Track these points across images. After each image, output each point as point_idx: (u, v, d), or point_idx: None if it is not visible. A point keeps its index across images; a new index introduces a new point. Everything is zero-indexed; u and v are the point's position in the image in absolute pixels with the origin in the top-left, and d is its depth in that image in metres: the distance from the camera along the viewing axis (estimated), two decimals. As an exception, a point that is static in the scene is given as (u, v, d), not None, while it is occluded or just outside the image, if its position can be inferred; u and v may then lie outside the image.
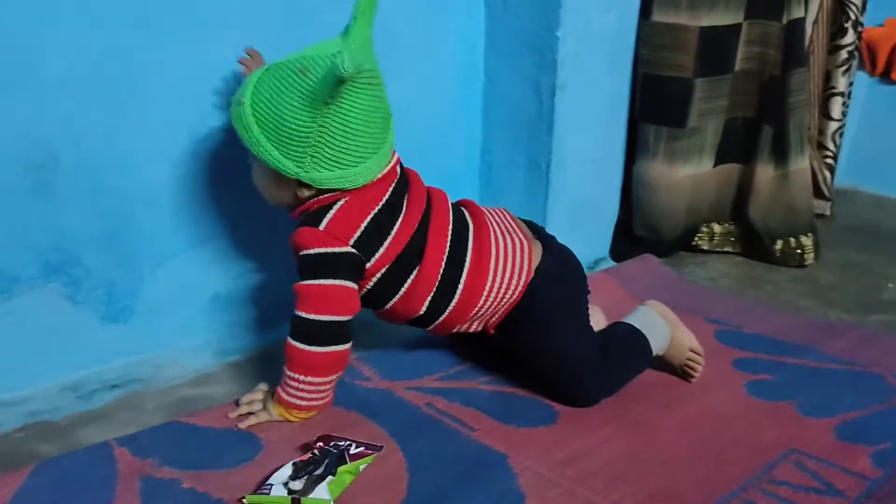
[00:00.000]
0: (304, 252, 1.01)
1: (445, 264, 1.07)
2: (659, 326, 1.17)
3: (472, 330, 1.15)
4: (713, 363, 1.21)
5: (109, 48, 1.09)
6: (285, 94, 0.95)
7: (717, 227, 1.73)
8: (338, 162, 0.99)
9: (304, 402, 1.03)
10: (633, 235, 1.69)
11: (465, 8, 1.47)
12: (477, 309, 1.10)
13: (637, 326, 1.16)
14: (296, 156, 0.98)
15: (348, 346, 1.04)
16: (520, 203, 1.56)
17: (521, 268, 1.10)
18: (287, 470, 0.91)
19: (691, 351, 1.17)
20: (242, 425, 1.03)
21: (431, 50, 1.45)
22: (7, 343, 1.11)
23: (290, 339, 1.02)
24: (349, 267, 1.02)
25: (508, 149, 1.55)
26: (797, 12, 1.56)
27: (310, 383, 1.02)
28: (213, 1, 1.15)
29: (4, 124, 1.04)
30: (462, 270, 1.08)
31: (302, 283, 1.01)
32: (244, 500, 0.89)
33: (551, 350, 1.10)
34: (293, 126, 0.96)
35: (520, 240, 1.13)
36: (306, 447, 0.97)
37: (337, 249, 1.01)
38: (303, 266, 1.02)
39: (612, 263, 1.66)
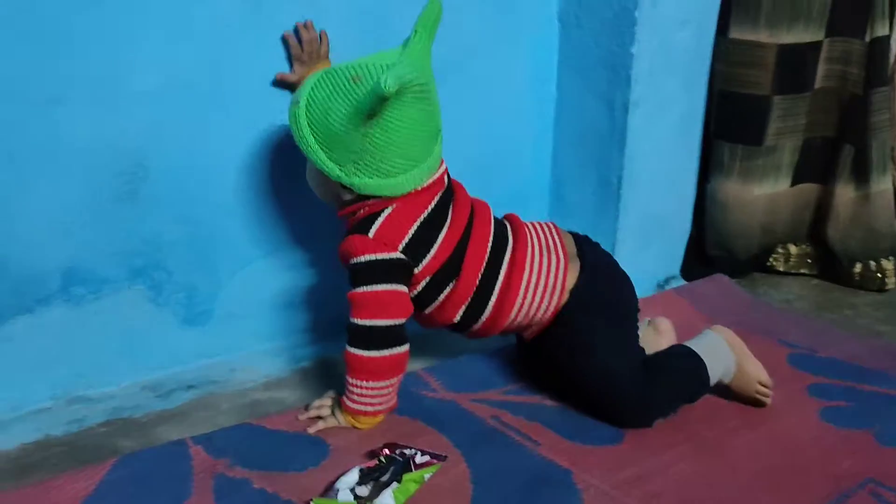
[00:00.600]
0: (356, 260, 1.04)
1: (481, 278, 1.09)
2: (721, 353, 1.14)
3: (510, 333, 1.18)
4: (786, 388, 1.18)
5: (196, 62, 1.14)
6: (336, 99, 0.99)
7: (793, 249, 1.69)
8: (378, 171, 1.02)
9: (368, 408, 1.06)
10: (706, 254, 1.66)
11: (538, 24, 1.48)
12: (508, 323, 1.13)
13: (696, 350, 1.13)
14: (339, 160, 1.02)
15: (406, 347, 1.06)
16: (590, 220, 1.55)
17: (554, 288, 1.11)
18: (353, 475, 0.93)
19: (760, 384, 1.13)
20: (311, 430, 1.06)
21: (503, 65, 1.46)
22: (95, 342, 1.17)
23: (348, 347, 1.05)
24: (400, 271, 1.05)
25: (579, 166, 1.55)
26: (881, 30, 1.52)
27: (371, 388, 1.05)
28: (291, 14, 1.19)
29: (97, 134, 1.10)
30: (495, 285, 1.10)
31: (355, 290, 1.04)
32: (312, 503, 0.91)
33: (587, 370, 1.10)
34: (339, 132, 0.99)
35: (557, 259, 1.13)
36: (373, 454, 0.99)
37: (388, 255, 1.03)
38: (355, 273, 1.05)
39: (682, 282, 1.64)
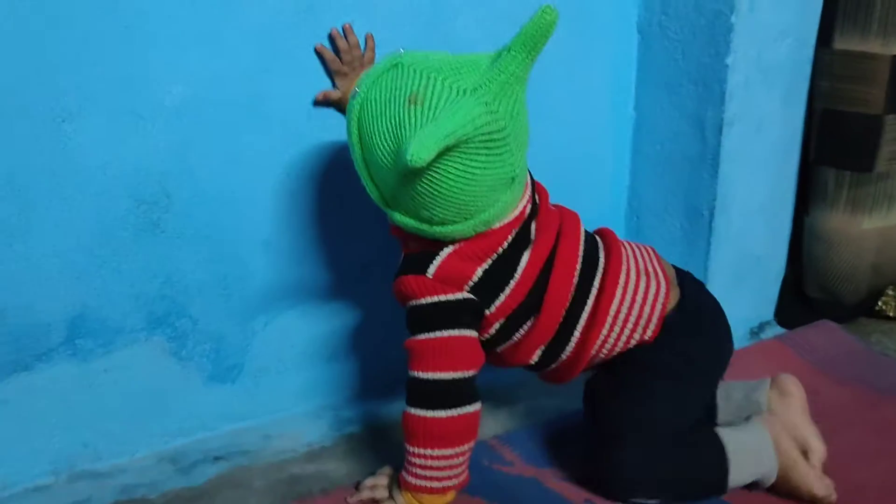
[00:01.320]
0: (414, 303, 0.87)
1: (566, 310, 0.91)
2: (759, 458, 0.93)
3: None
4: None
5: (230, 73, 0.97)
6: (385, 119, 0.80)
7: (905, 291, 1.49)
8: (418, 216, 0.84)
9: (435, 483, 0.88)
10: (805, 297, 1.46)
11: (615, 34, 1.31)
12: (589, 361, 0.94)
13: (730, 449, 0.92)
14: (380, 186, 0.85)
15: (478, 406, 0.88)
16: (674, 256, 1.35)
17: (650, 317, 0.93)
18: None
19: (812, 497, 0.92)
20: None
21: (575, 81, 1.29)
22: (104, 404, 1.00)
23: (407, 408, 0.88)
24: (469, 314, 0.88)
25: (662, 194, 1.36)
26: None
27: (438, 458, 0.87)
28: (339, 20, 1.02)
29: (113, 156, 0.94)
30: (581, 315, 0.91)
31: (415, 338, 0.88)
32: None
33: (620, 413, 0.92)
34: (378, 160, 0.81)
35: (657, 283, 0.95)
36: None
37: (453, 297, 0.86)
38: (414, 319, 0.88)
39: (778, 328, 1.44)
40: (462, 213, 0.83)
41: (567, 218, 0.95)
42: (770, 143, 1.34)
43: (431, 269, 0.86)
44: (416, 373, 0.87)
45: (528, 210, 0.91)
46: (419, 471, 0.87)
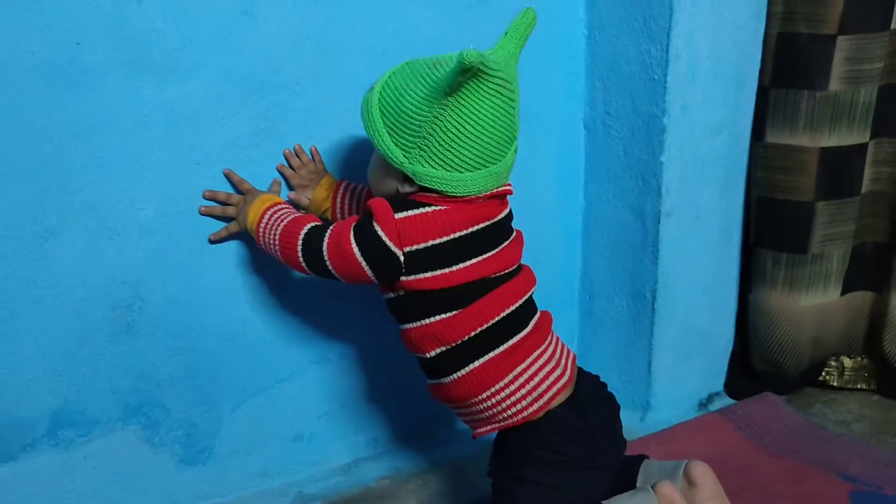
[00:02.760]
0: (368, 214, 0.95)
1: (484, 330, 0.96)
2: None
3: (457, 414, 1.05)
4: (850, 535, 1.05)
5: (195, 191, 1.08)
6: (413, 82, 0.93)
7: (847, 362, 1.56)
8: (444, 161, 0.93)
9: (262, 227, 1.02)
10: (752, 369, 1.54)
11: (563, 128, 1.41)
12: (474, 398, 0.98)
13: None
14: (405, 145, 0.93)
15: (301, 264, 0.98)
16: (623, 335, 1.45)
17: (541, 395, 0.98)
18: None
19: None
20: (213, 237, 1.09)
21: (528, 174, 1.38)
22: (85, 488, 1.09)
23: (305, 232, 0.98)
24: (380, 263, 0.94)
25: (610, 277, 1.45)
26: (932, 128, 1.42)
27: (276, 231, 1.00)
28: (298, 137, 1.14)
29: (92, 267, 1.04)
30: (493, 349, 0.97)
31: (349, 225, 0.95)
32: None
33: (516, 499, 0.98)
34: (410, 113, 0.92)
35: (563, 371, 1.01)
36: None
37: (389, 246, 0.93)
38: (360, 228, 0.95)
39: (727, 399, 1.51)
40: (480, 158, 0.93)
41: (528, 271, 1.05)
42: (709, 230, 1.43)
43: (402, 214, 0.93)
44: (325, 234, 0.96)
45: (504, 213, 1.00)
46: (270, 223, 1.01)
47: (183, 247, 1.09)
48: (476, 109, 0.91)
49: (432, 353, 0.98)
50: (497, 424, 1.00)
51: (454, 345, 0.97)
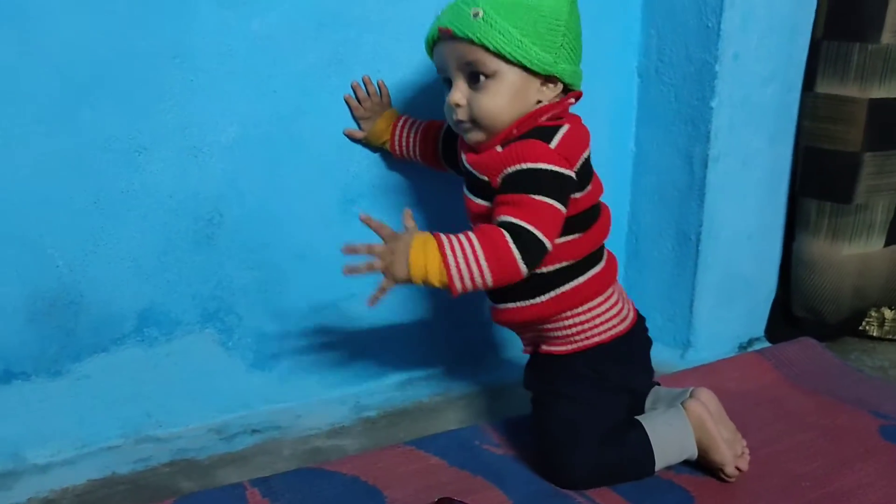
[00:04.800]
0: (534, 166, 0.95)
1: (591, 254, 1.05)
2: (681, 444, 1.05)
3: (524, 337, 1.12)
4: (877, 462, 1.10)
5: (273, 116, 1.17)
6: None
7: (888, 313, 1.59)
8: (575, 52, 1.00)
9: (453, 264, 0.92)
10: (792, 316, 1.58)
11: (617, 76, 1.47)
12: (560, 317, 1.04)
13: (654, 435, 1.04)
14: (553, 47, 0.96)
15: (523, 273, 0.95)
16: (667, 276, 1.51)
17: (615, 320, 1.07)
18: (406, 528, 0.90)
19: (723, 472, 1.05)
20: (346, 270, 0.96)
21: (581, 116, 1.45)
22: (165, 383, 1.20)
23: (504, 231, 0.93)
24: (569, 192, 0.97)
25: (656, 220, 1.51)
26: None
27: (478, 262, 0.92)
28: (366, 69, 1.22)
29: (180, 182, 1.14)
30: (588, 271, 1.04)
31: (524, 194, 0.94)
32: (362, 555, 0.89)
33: (559, 413, 1.04)
34: (549, 14, 0.95)
35: (629, 308, 1.12)
36: (428, 508, 0.96)
37: (566, 171, 0.96)
38: (528, 178, 0.95)
39: (767, 344, 1.56)
40: (580, 46, 1.02)
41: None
42: (756, 178, 1.47)
43: (555, 141, 0.96)
44: (520, 221, 0.93)
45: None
46: (461, 257, 0.92)
47: (259, 168, 1.18)
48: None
49: (552, 268, 1.02)
50: (575, 345, 1.06)
51: (575, 261, 1.03)
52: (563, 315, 1.05)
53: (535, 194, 0.94)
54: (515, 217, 0.93)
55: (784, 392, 1.32)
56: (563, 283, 1.04)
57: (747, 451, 1.08)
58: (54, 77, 1.03)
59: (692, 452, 1.05)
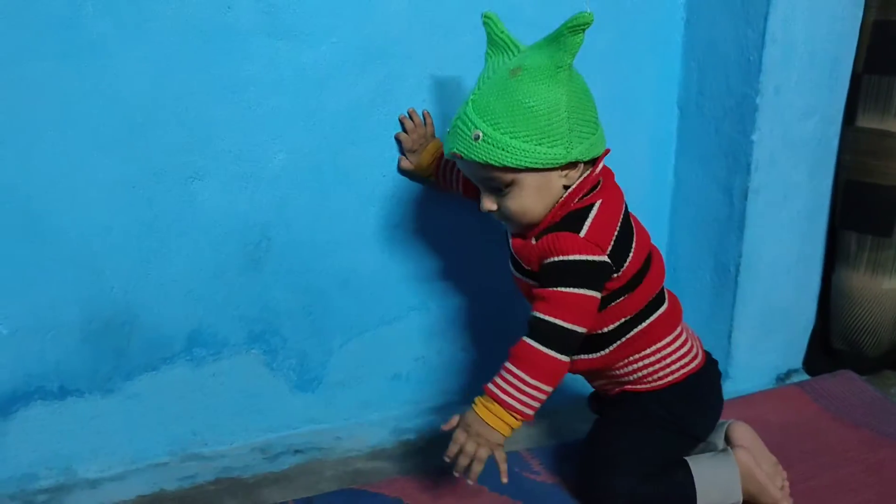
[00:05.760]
0: (563, 258, 0.98)
1: (653, 298, 1.07)
2: (726, 490, 1.05)
3: (595, 384, 1.15)
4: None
5: (321, 146, 1.21)
6: (519, 93, 0.94)
7: (929, 347, 1.58)
8: (588, 122, 0.98)
9: (519, 405, 0.97)
10: (831, 349, 1.58)
11: (657, 110, 1.49)
12: (623, 364, 1.08)
13: (699, 476, 1.05)
14: (561, 140, 0.95)
15: (569, 361, 1.00)
16: (706, 307, 1.51)
17: (683, 364, 1.08)
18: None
19: None
20: (472, 477, 0.99)
21: (622, 150, 1.43)
22: (211, 402, 1.23)
23: (527, 339, 0.98)
24: (602, 277, 1.00)
25: (695, 251, 1.52)
26: None
27: (533, 387, 0.97)
28: (412, 102, 1.25)
29: (230, 208, 1.18)
30: (650, 315, 1.07)
31: (554, 288, 0.98)
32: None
33: (622, 444, 1.06)
34: (546, 110, 0.94)
35: (697, 347, 1.13)
36: (467, 532, 0.98)
37: (596, 258, 0.98)
38: (558, 271, 0.99)
39: (804, 376, 1.55)
40: (595, 110, 1.00)
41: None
42: (796, 210, 1.48)
43: (584, 229, 0.98)
44: (549, 317, 0.97)
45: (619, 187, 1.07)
46: (514, 391, 0.97)
47: (306, 195, 1.22)
48: (577, 76, 0.99)
49: (612, 326, 1.06)
50: (647, 385, 1.09)
51: (633, 314, 1.06)
52: (632, 359, 1.08)
53: (565, 287, 0.98)
54: (544, 313, 0.98)
55: (824, 425, 1.32)
56: (626, 334, 1.07)
57: (787, 483, 1.08)
58: (116, 108, 1.08)
59: (736, 499, 1.05)
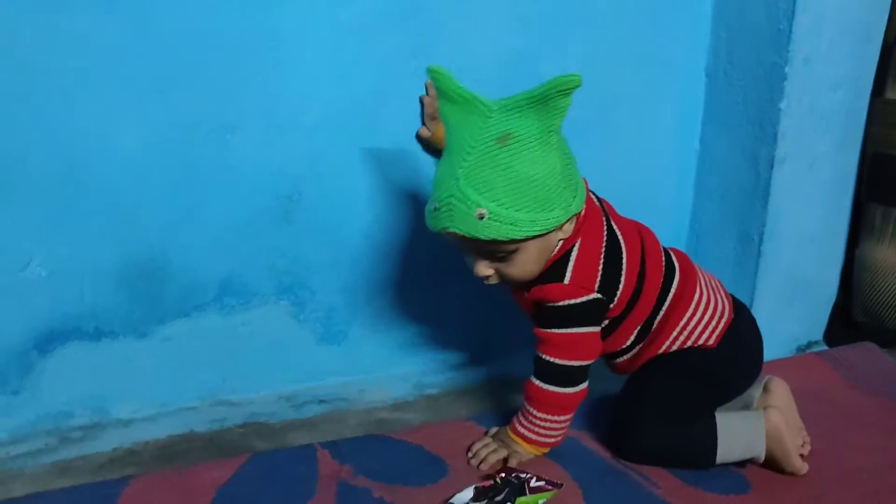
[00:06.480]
0: (553, 304, 1.03)
1: (659, 295, 1.08)
2: (749, 446, 1.07)
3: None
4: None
5: (353, 102, 1.22)
6: (516, 165, 0.91)
7: (951, 322, 1.58)
8: (575, 174, 0.98)
9: (540, 438, 1.07)
10: (853, 321, 1.58)
11: (685, 77, 1.49)
12: (658, 352, 1.11)
13: (722, 431, 1.07)
14: (559, 200, 0.95)
15: (586, 385, 1.06)
16: (728, 276, 1.52)
17: (714, 329, 1.10)
18: (468, 493, 0.95)
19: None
20: (485, 466, 1.05)
21: (648, 117, 1.48)
22: (241, 350, 1.26)
23: (533, 380, 1.05)
24: (596, 313, 1.05)
25: (719, 220, 1.53)
26: None
27: (549, 421, 1.06)
28: (443, 60, 1.25)
29: (264, 160, 1.20)
30: (659, 311, 1.09)
31: (550, 330, 1.04)
32: (427, 515, 0.94)
33: (657, 396, 1.08)
34: (544, 177, 0.93)
35: (722, 303, 1.12)
36: (489, 476, 1.00)
37: (585, 298, 1.02)
38: (551, 316, 1.04)
39: (824, 347, 1.56)
40: (576, 180, 0.98)
41: (642, 226, 1.14)
42: (822, 181, 1.48)
43: (567, 276, 1.01)
44: (547, 357, 1.03)
45: (600, 211, 1.08)
46: (539, 430, 1.05)
47: (338, 150, 1.24)
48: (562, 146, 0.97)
49: (630, 339, 1.11)
50: (680, 345, 1.11)
51: (647, 318, 1.10)
52: (662, 343, 1.11)
53: (561, 328, 1.03)
54: (546, 354, 1.04)
55: (843, 393, 1.33)
56: (647, 332, 1.11)
57: (808, 440, 1.09)
58: (155, 58, 1.10)
59: (758, 454, 1.07)
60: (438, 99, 0.97)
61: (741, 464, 1.09)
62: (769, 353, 1.49)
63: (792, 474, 1.07)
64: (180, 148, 1.15)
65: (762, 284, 1.48)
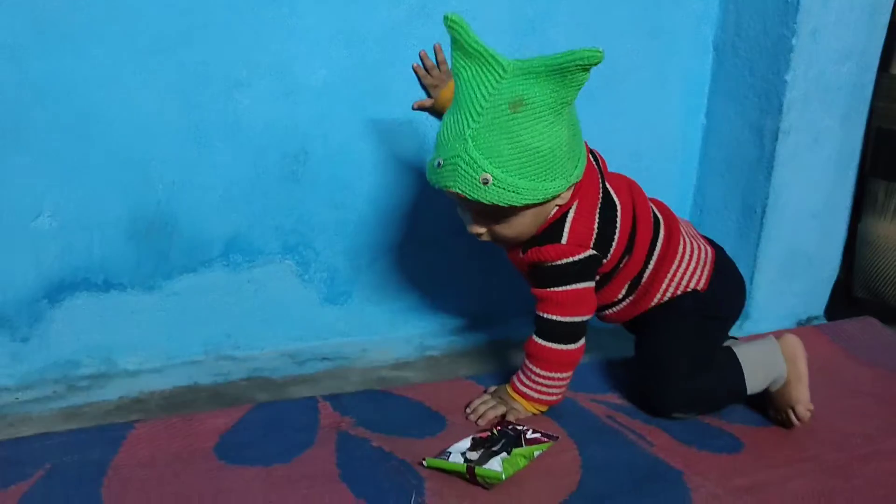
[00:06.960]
0: (552, 264, 1.04)
1: (649, 249, 1.11)
2: (771, 366, 1.11)
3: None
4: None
5: (360, 63, 1.24)
6: (526, 134, 0.92)
7: (952, 299, 1.59)
8: (580, 143, 1.00)
9: (541, 396, 1.09)
10: (853, 297, 1.59)
11: (692, 50, 1.50)
12: (651, 303, 1.14)
13: (745, 360, 1.10)
14: (562, 171, 0.96)
15: (584, 341, 1.09)
16: (730, 247, 1.50)
17: (701, 275, 1.13)
18: (466, 442, 0.97)
19: (794, 412, 1.09)
20: (483, 422, 1.07)
21: (655, 89, 1.49)
22: (245, 307, 1.28)
23: (535, 338, 1.07)
24: (591, 268, 1.07)
25: (723, 192, 1.54)
26: None
27: (550, 379, 1.08)
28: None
29: (271, 119, 1.22)
30: (650, 262, 1.12)
31: (549, 289, 1.06)
32: (424, 463, 0.95)
33: (670, 345, 1.11)
34: (551, 148, 0.94)
35: (704, 248, 1.16)
36: (486, 429, 1.02)
37: (582, 255, 1.04)
38: (549, 275, 1.05)
39: (824, 322, 1.57)
40: (579, 149, 1.00)
41: (630, 180, 1.15)
42: (825, 155, 1.48)
43: (564, 236, 1.03)
44: (551, 315, 1.05)
45: (596, 170, 1.09)
46: (532, 384, 1.07)
47: (344, 112, 1.25)
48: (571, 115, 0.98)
49: (622, 292, 1.14)
50: (671, 293, 1.14)
51: (637, 271, 1.12)
52: (654, 293, 1.13)
53: (558, 286, 1.05)
54: (545, 312, 1.06)
55: (841, 362, 1.34)
56: (637, 285, 1.13)
57: (812, 408, 1.11)
58: (167, 15, 1.12)
59: (780, 373, 1.10)
60: (452, 51, 0.96)
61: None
62: (770, 325, 1.52)
63: (795, 406, 1.09)
64: (189, 104, 1.17)
65: (763, 257, 1.49)
